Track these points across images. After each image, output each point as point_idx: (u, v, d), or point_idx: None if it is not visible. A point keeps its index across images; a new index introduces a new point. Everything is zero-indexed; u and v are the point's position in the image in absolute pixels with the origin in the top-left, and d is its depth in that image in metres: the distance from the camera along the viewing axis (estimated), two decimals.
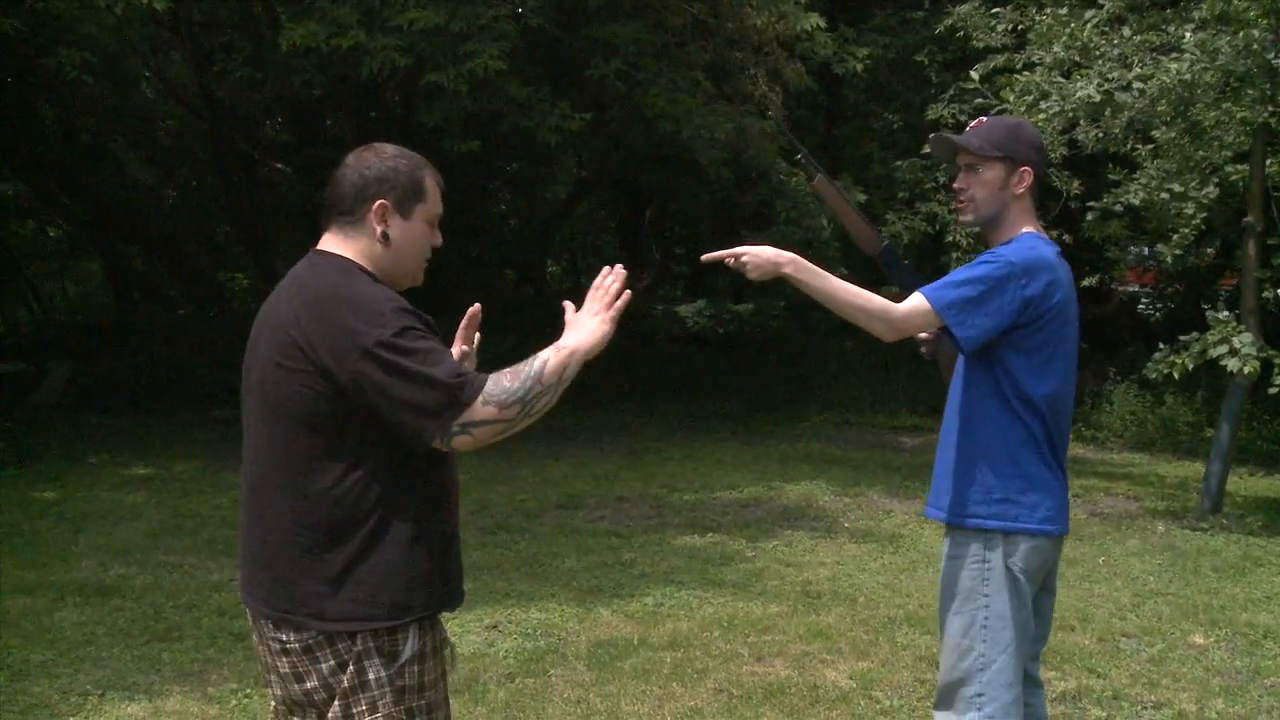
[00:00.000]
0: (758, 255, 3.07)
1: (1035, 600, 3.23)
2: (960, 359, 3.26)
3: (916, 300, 3.08)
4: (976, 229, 3.35)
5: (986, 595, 3.14)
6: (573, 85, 11.56)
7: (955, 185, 3.30)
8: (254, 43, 14.09)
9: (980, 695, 3.14)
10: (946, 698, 3.23)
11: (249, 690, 4.83)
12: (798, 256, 3.10)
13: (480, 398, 2.32)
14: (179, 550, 7.08)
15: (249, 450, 2.53)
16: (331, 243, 2.55)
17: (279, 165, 16.28)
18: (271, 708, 2.65)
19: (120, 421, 11.97)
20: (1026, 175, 3.17)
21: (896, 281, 3.42)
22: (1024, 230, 3.19)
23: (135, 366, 13.77)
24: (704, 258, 3.24)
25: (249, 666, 5.08)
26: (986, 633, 3.14)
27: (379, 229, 2.51)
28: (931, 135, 3.40)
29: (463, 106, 10.06)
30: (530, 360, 2.41)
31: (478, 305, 2.77)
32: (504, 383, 2.35)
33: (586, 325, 2.52)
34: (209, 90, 14.20)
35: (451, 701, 4.64)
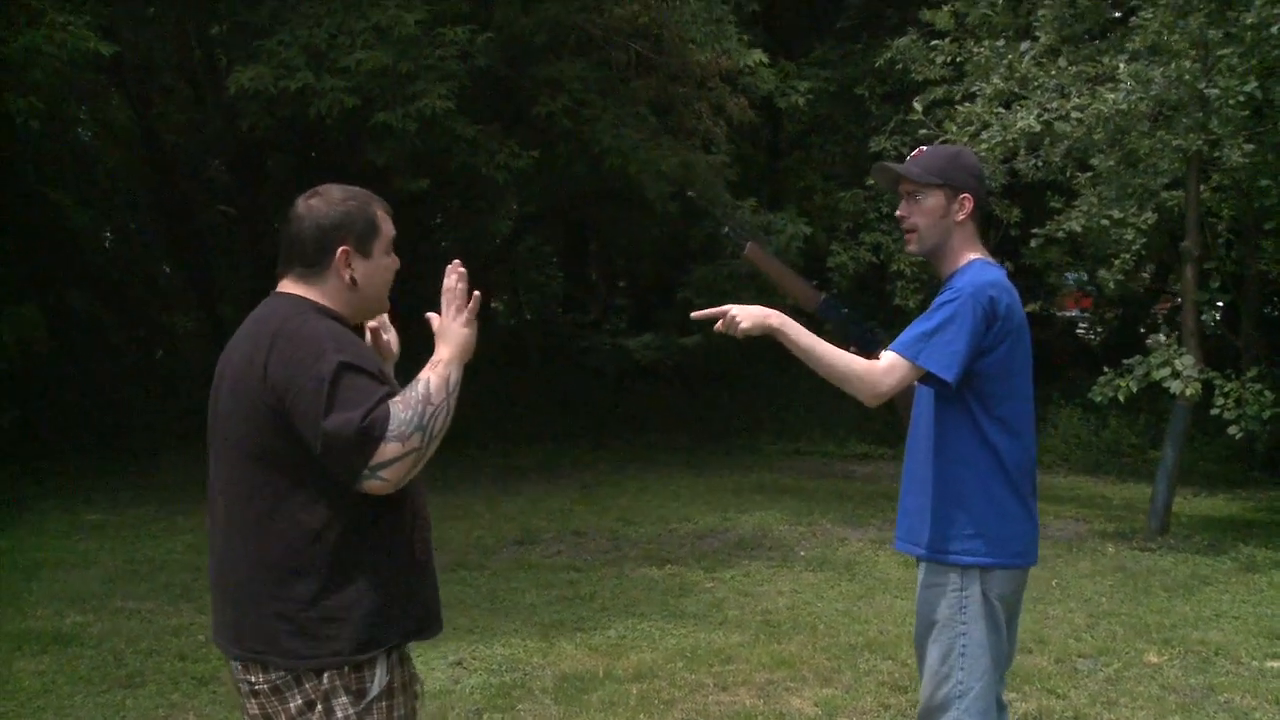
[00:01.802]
0: (747, 311, 3.13)
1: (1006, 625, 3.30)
2: (924, 395, 3.32)
3: (891, 358, 3.11)
4: (922, 258, 3.41)
5: (964, 624, 3.18)
6: (520, 123, 11.62)
7: (898, 214, 3.33)
8: (193, 85, 14.05)
9: None
10: None
11: None
12: (785, 319, 3.14)
13: (385, 435, 2.33)
14: (136, 596, 7.00)
15: (214, 490, 2.55)
16: (292, 287, 2.58)
17: (223, 208, 16.19)
18: None
19: (67, 467, 11.79)
20: (967, 202, 3.22)
21: (839, 333, 3.46)
22: (971, 258, 3.24)
23: (80, 411, 13.58)
24: (694, 315, 3.27)
25: (214, 710, 5.05)
26: (965, 660, 3.19)
27: (347, 275, 2.55)
28: (874, 165, 3.45)
29: (412, 145, 10.08)
30: (414, 384, 2.43)
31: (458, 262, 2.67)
32: (400, 414, 2.36)
33: (450, 333, 2.53)
34: (150, 132, 14.11)
35: None
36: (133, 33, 13.14)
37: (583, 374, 16.94)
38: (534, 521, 9.45)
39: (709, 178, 11.57)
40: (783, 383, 15.20)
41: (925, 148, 3.41)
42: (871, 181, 9.38)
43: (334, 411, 2.31)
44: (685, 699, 5.25)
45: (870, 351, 3.38)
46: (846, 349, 3.30)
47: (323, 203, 2.57)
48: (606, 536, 8.94)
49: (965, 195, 3.22)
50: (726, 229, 3.51)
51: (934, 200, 3.23)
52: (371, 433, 2.31)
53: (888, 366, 3.11)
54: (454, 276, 2.55)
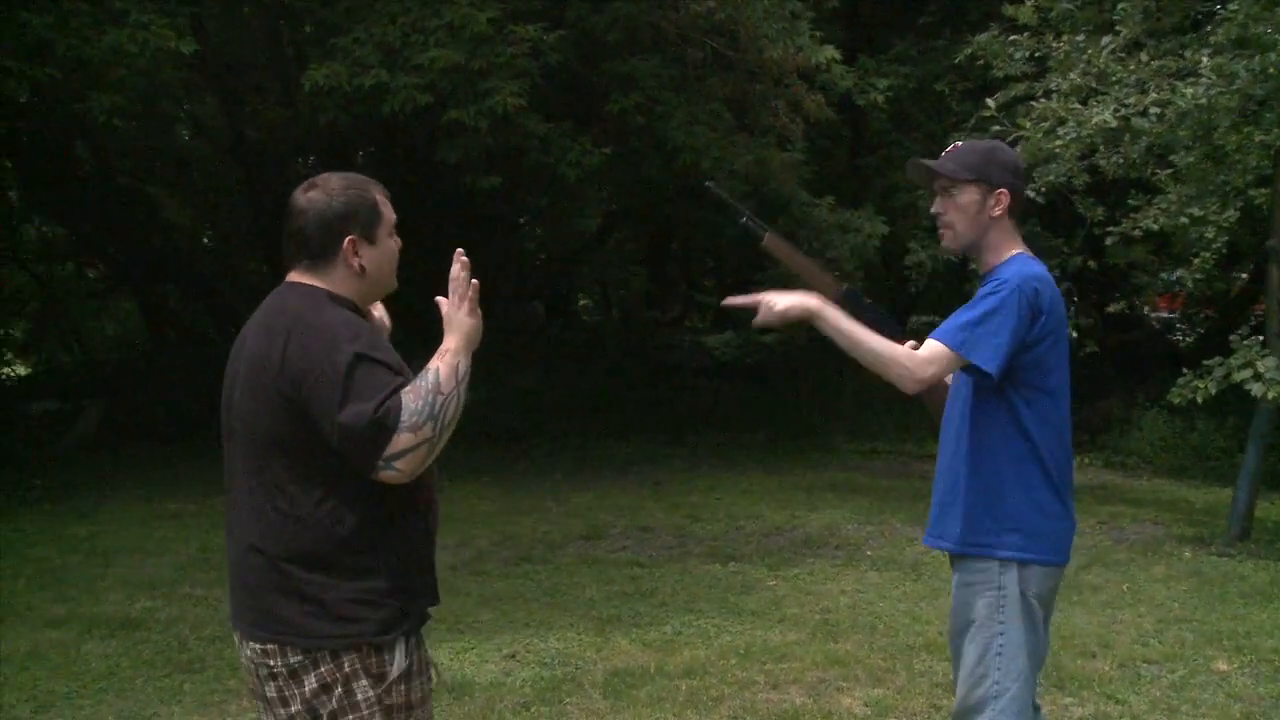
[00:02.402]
0: (784, 295, 3.11)
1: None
2: (960, 389, 3.27)
3: (933, 347, 3.07)
4: (959, 255, 3.36)
5: (1002, 623, 3.14)
6: (593, 120, 11.66)
7: (932, 210, 3.29)
8: (283, 83, 14.32)
9: None
10: None
11: None
12: (824, 306, 3.10)
13: (398, 426, 2.35)
14: (205, 584, 7.16)
15: (229, 477, 2.59)
16: (302, 277, 2.61)
17: None
18: None
19: (152, 458, 12.11)
20: (1003, 197, 3.17)
21: (866, 320, 3.44)
22: (1013, 252, 3.20)
23: (168, 404, 13.94)
24: (726, 303, 3.27)
25: None
26: (1001, 660, 3.14)
27: (356, 263, 2.58)
28: (909, 161, 3.41)
29: (483, 143, 10.17)
30: (424, 374, 2.44)
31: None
32: (411, 404, 2.37)
33: (456, 322, 2.53)
34: (240, 131, 14.42)
35: None
36: (223, 31, 13.46)
37: (662, 371, 16.98)
38: (602, 517, 9.49)
39: (783, 175, 11.51)
40: (861, 382, 15.05)
41: (960, 143, 3.36)
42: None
43: (349, 403, 2.34)
44: (734, 696, 5.23)
45: (895, 338, 3.33)
46: None
47: (322, 194, 2.59)
48: (673, 533, 8.94)
49: (1001, 190, 3.17)
50: (744, 219, 3.43)
51: (968, 196, 3.18)
52: (385, 423, 2.34)
53: (930, 355, 3.07)
54: (458, 265, 2.56)
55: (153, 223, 16.32)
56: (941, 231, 3.28)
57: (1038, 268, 3.16)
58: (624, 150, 11.67)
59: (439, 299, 2.59)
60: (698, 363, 17.10)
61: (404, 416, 2.35)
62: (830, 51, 11.10)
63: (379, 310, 2.91)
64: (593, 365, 16.38)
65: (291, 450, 2.45)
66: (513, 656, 5.82)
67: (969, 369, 3.09)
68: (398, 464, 2.37)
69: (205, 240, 19.64)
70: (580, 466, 12.19)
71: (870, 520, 9.35)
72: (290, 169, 16.38)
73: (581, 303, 24.53)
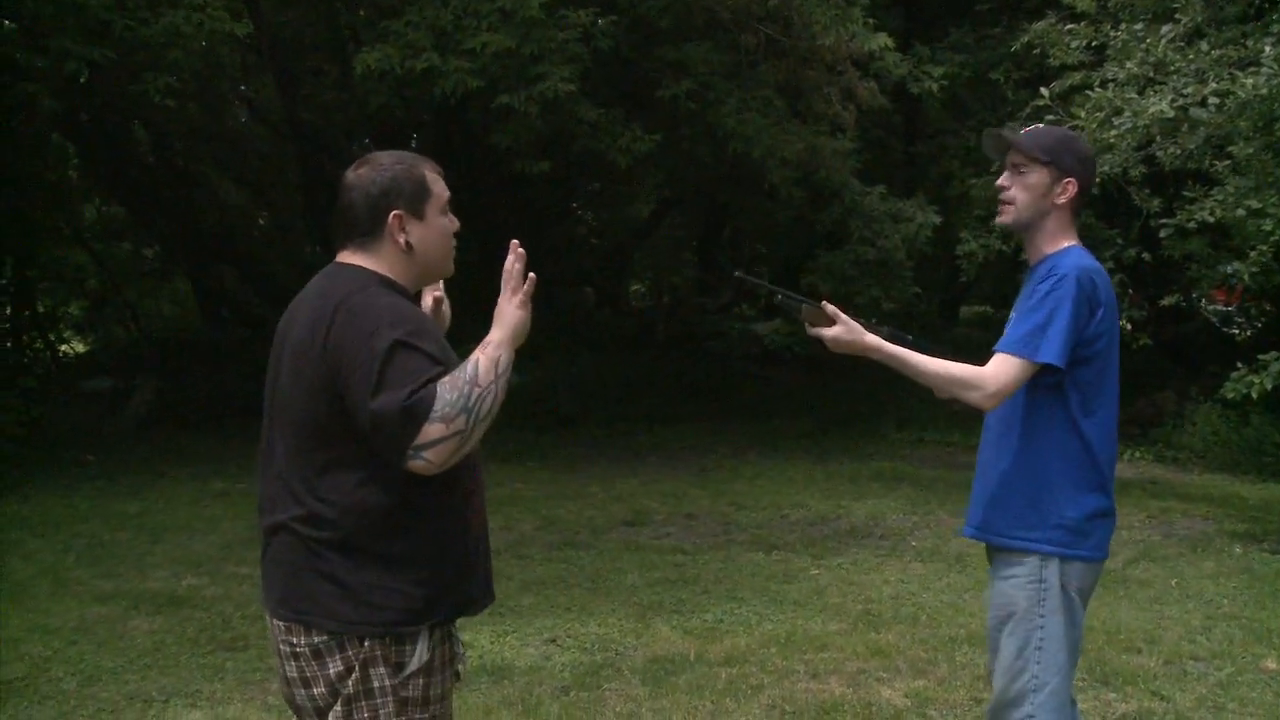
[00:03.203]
0: (842, 339, 3.12)
1: None
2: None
3: (1003, 360, 3.04)
4: (1011, 231, 3.33)
5: (1043, 616, 3.12)
6: (644, 106, 11.64)
7: (998, 183, 3.25)
8: (340, 65, 14.42)
9: (1031, 717, 3.13)
10: (998, 717, 3.22)
11: None
12: (883, 343, 3.12)
13: (430, 415, 2.32)
14: (250, 562, 7.23)
15: (267, 456, 2.59)
16: (351, 258, 2.59)
17: None
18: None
19: (203, 438, 12.26)
20: (1070, 186, 3.14)
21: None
22: (1068, 244, 3.17)
23: (221, 384, 14.09)
24: (826, 307, 3.20)
25: None
26: (1041, 654, 3.12)
27: (401, 240, 2.56)
28: (985, 131, 3.37)
29: (534, 128, 10.18)
30: (463, 365, 2.42)
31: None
32: (446, 395, 2.34)
33: (505, 315, 2.51)
34: (295, 113, 14.53)
35: (505, 713, 4.74)
36: (279, 13, 13.56)
37: (710, 358, 16.95)
38: (646, 503, 9.50)
39: (835, 163, 11.44)
40: None
41: (1040, 125, 3.35)
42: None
43: (382, 390, 2.32)
44: (773, 685, 5.22)
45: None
46: None
47: (371, 170, 2.57)
48: (717, 520, 8.93)
49: (1070, 179, 3.15)
50: (780, 297, 3.40)
51: (1038, 177, 3.16)
52: (415, 413, 2.31)
53: (1000, 369, 3.04)
54: (512, 257, 2.53)
55: (208, 204, 16.50)
56: (1002, 207, 3.24)
57: (1093, 261, 3.14)
58: (675, 137, 11.63)
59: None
60: (746, 350, 17.03)
61: (436, 407, 2.32)
62: (883, 39, 11.01)
63: (436, 296, 2.90)
64: (641, 352, 16.38)
65: (329, 434, 2.44)
66: (553, 641, 5.84)
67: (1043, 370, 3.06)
68: (427, 454, 2.34)
69: (260, 222, 19.83)
70: (626, 452, 12.20)
71: (915, 510, 9.28)
72: (344, 152, 16.51)
73: (633, 289, 24.53)
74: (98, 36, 9.27)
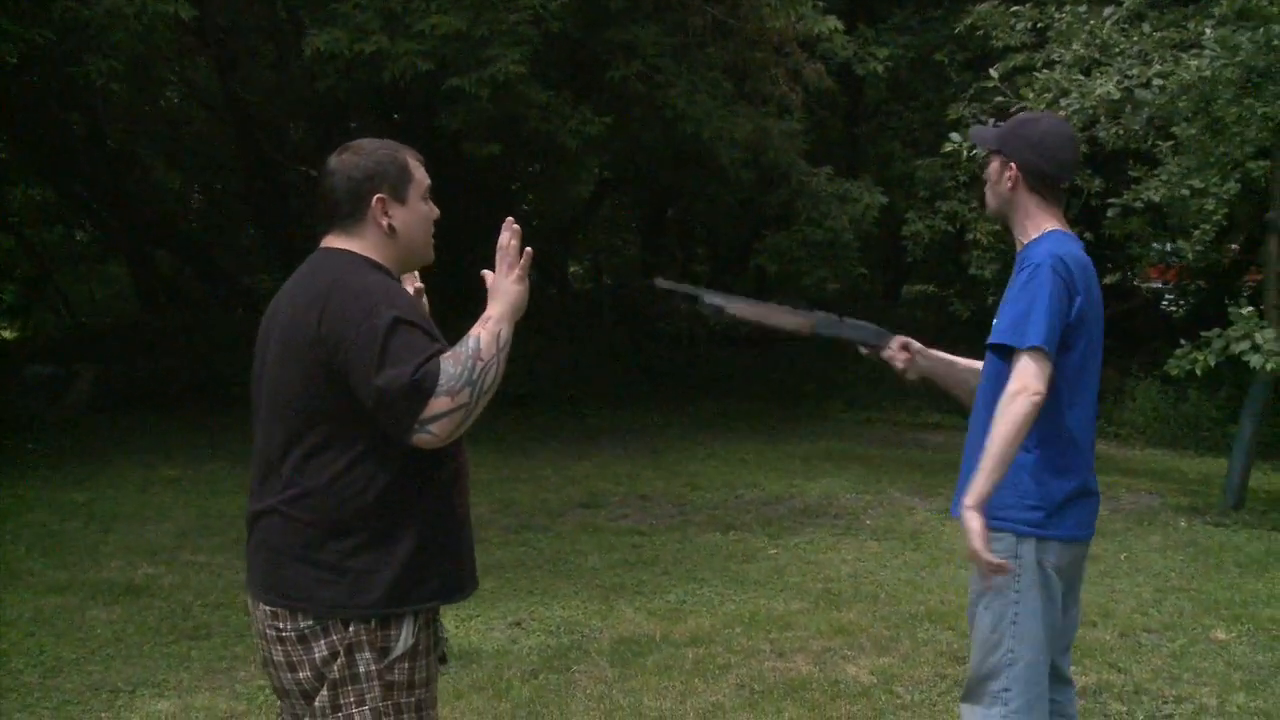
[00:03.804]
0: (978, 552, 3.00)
1: (1063, 597, 3.26)
2: (991, 366, 3.25)
3: (1020, 361, 3.01)
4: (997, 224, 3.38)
5: (1018, 592, 3.15)
6: (593, 88, 11.61)
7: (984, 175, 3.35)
8: (278, 47, 14.23)
9: (1007, 690, 3.16)
10: (974, 691, 3.25)
11: None
12: (974, 519, 2.98)
13: (435, 390, 2.35)
14: (207, 550, 7.17)
15: (258, 441, 2.59)
16: (336, 242, 2.61)
17: (303, 169, 16.39)
18: (279, 707, 2.70)
19: (147, 423, 12.07)
20: (1010, 170, 3.16)
21: (849, 338, 3.47)
22: (1048, 228, 3.18)
23: (162, 369, 13.90)
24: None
25: None
26: (1016, 629, 3.15)
27: (384, 223, 2.57)
28: (961, 131, 3.44)
29: (484, 111, 10.12)
30: (464, 340, 2.44)
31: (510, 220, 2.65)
32: (449, 369, 2.38)
33: (502, 289, 2.54)
34: (234, 94, 14.33)
35: (476, 697, 4.74)
36: None
37: (657, 339, 16.97)
38: (601, 485, 9.51)
39: (783, 144, 11.48)
40: (855, 352, 15.10)
41: (1016, 114, 3.39)
42: (948, 149, 9.34)
43: (386, 366, 2.34)
44: (741, 665, 5.26)
45: (881, 343, 3.44)
46: (859, 351, 3.46)
47: (353, 155, 2.59)
48: (673, 501, 8.97)
49: (1012, 163, 3.17)
50: (700, 300, 3.37)
51: (993, 167, 3.23)
52: (422, 387, 2.34)
53: (1023, 367, 3.00)
54: (508, 234, 2.55)
55: (143, 186, 16.23)
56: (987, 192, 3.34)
57: (1069, 246, 3.14)
58: (624, 119, 11.62)
59: (484, 273, 2.59)
60: (692, 331, 17.08)
61: (442, 380, 2.36)
62: (833, 22, 11.06)
63: (417, 287, 2.91)
64: (588, 333, 16.36)
65: (320, 416, 2.45)
66: (518, 624, 5.84)
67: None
68: (432, 428, 2.37)
69: (195, 205, 19.55)
70: (577, 434, 12.21)
71: (868, 489, 9.39)
72: (283, 134, 16.32)
73: (572, 270, 24.47)
74: (35, 17, 9.07)
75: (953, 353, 3.60)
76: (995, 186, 3.21)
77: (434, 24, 9.52)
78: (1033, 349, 2.99)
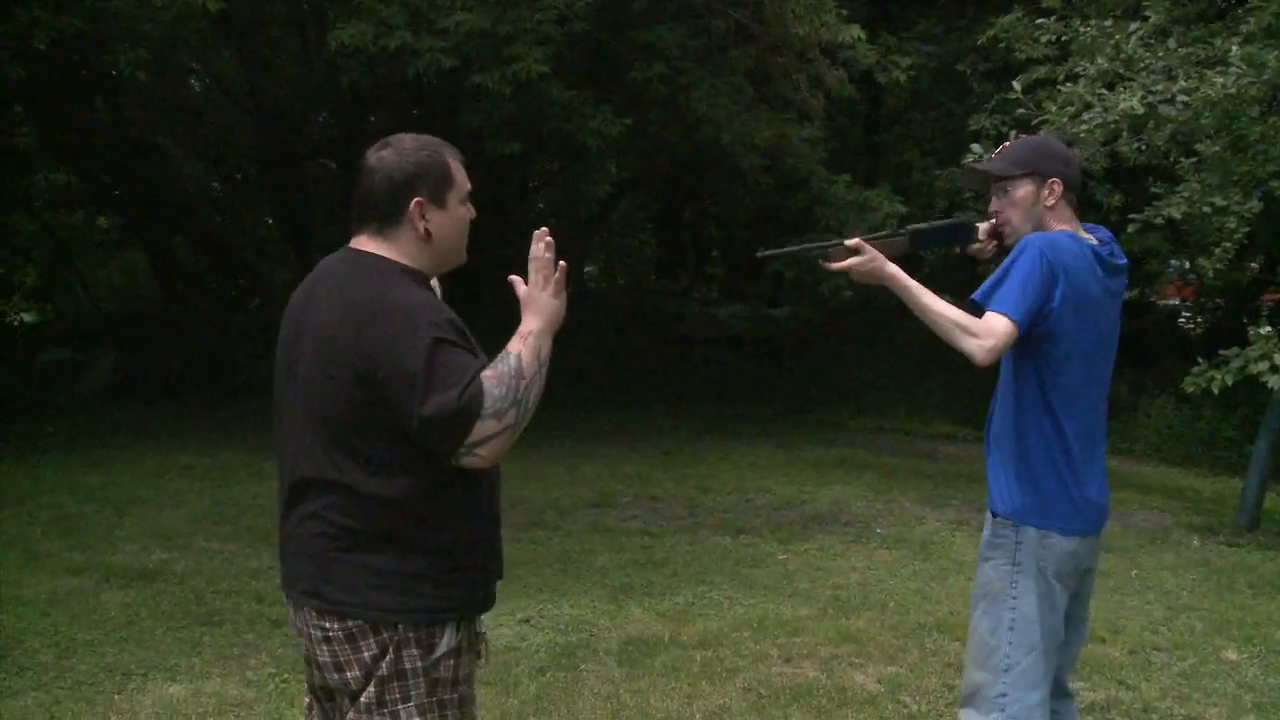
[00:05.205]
0: (861, 268, 3.20)
1: (1069, 606, 3.28)
2: (1006, 359, 3.29)
3: (986, 316, 3.09)
4: None
5: (1015, 597, 3.19)
6: (615, 88, 11.62)
7: (990, 209, 3.38)
8: (301, 39, 14.28)
9: (1004, 695, 3.18)
10: (971, 697, 3.28)
11: (286, 675, 4.94)
12: (900, 273, 3.20)
13: (481, 415, 2.32)
14: (220, 537, 7.21)
15: (292, 445, 2.55)
16: (370, 244, 2.56)
17: (324, 161, 16.45)
18: (306, 702, 2.71)
19: (164, 410, 12.15)
20: (1056, 186, 3.24)
21: (942, 241, 3.58)
22: (1057, 229, 3.25)
23: (179, 356, 13.97)
24: (831, 266, 3.28)
25: (286, 652, 5.19)
26: (1013, 634, 3.18)
27: (421, 227, 2.53)
28: (963, 171, 3.48)
29: (506, 109, 10.14)
30: (503, 357, 2.41)
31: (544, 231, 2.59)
32: (494, 390, 2.34)
33: (540, 304, 2.50)
34: (257, 85, 14.38)
35: (482, 693, 4.76)
36: None
37: (670, 341, 16.98)
38: (612, 485, 9.53)
39: (803, 151, 11.48)
40: (870, 359, 15.11)
41: (1009, 143, 3.45)
42: (969, 160, 9.31)
43: (431, 393, 2.31)
44: (748, 669, 5.28)
45: (971, 238, 3.48)
46: (956, 251, 3.56)
47: (394, 154, 2.53)
48: (683, 503, 8.98)
49: (1054, 180, 3.25)
50: (812, 252, 3.42)
51: (1024, 190, 3.28)
52: (469, 412, 2.31)
53: (990, 321, 3.09)
54: (541, 245, 2.51)
55: (164, 174, 16.30)
56: (1001, 229, 3.36)
57: (1070, 241, 3.20)
58: (644, 120, 11.63)
59: (513, 278, 2.55)
60: (706, 334, 17.09)
61: (487, 403, 2.32)
62: (855, 30, 11.04)
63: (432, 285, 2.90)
64: (602, 333, 16.38)
65: (363, 427, 2.42)
66: (527, 621, 5.87)
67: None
68: (480, 451, 2.35)
69: (215, 193, 19.61)
70: (588, 433, 12.21)
71: (879, 497, 9.37)
72: (304, 125, 16.37)
73: (586, 270, 24.51)
74: (66, 6, 9.13)
75: None
76: (1032, 208, 3.27)
77: (458, 21, 9.55)
78: (999, 312, 3.06)
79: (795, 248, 3.61)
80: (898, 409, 14.05)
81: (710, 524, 8.30)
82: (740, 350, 17.02)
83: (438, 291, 2.89)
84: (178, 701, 4.65)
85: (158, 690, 4.75)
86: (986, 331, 3.05)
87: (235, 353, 13.92)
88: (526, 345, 2.44)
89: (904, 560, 7.47)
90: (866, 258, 3.20)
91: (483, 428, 2.34)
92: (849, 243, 3.26)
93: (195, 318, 15.55)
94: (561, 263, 2.53)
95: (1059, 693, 3.38)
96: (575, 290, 20.38)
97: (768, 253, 3.70)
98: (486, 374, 2.38)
